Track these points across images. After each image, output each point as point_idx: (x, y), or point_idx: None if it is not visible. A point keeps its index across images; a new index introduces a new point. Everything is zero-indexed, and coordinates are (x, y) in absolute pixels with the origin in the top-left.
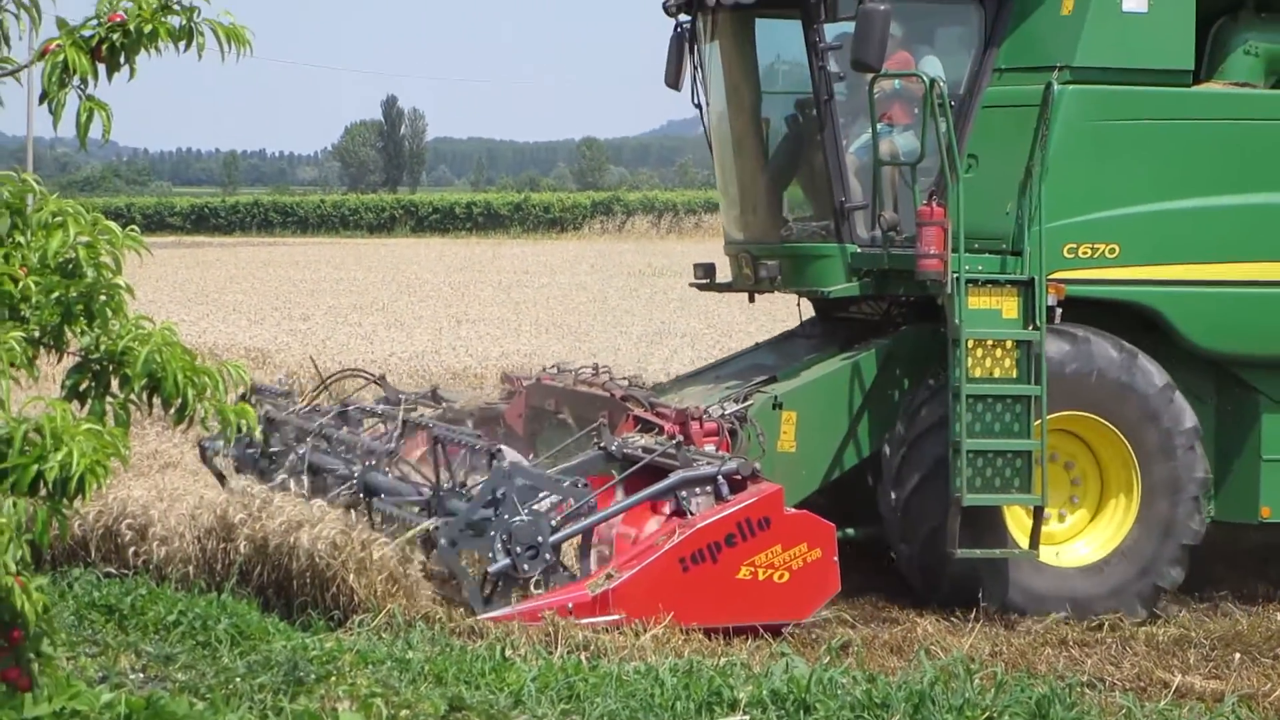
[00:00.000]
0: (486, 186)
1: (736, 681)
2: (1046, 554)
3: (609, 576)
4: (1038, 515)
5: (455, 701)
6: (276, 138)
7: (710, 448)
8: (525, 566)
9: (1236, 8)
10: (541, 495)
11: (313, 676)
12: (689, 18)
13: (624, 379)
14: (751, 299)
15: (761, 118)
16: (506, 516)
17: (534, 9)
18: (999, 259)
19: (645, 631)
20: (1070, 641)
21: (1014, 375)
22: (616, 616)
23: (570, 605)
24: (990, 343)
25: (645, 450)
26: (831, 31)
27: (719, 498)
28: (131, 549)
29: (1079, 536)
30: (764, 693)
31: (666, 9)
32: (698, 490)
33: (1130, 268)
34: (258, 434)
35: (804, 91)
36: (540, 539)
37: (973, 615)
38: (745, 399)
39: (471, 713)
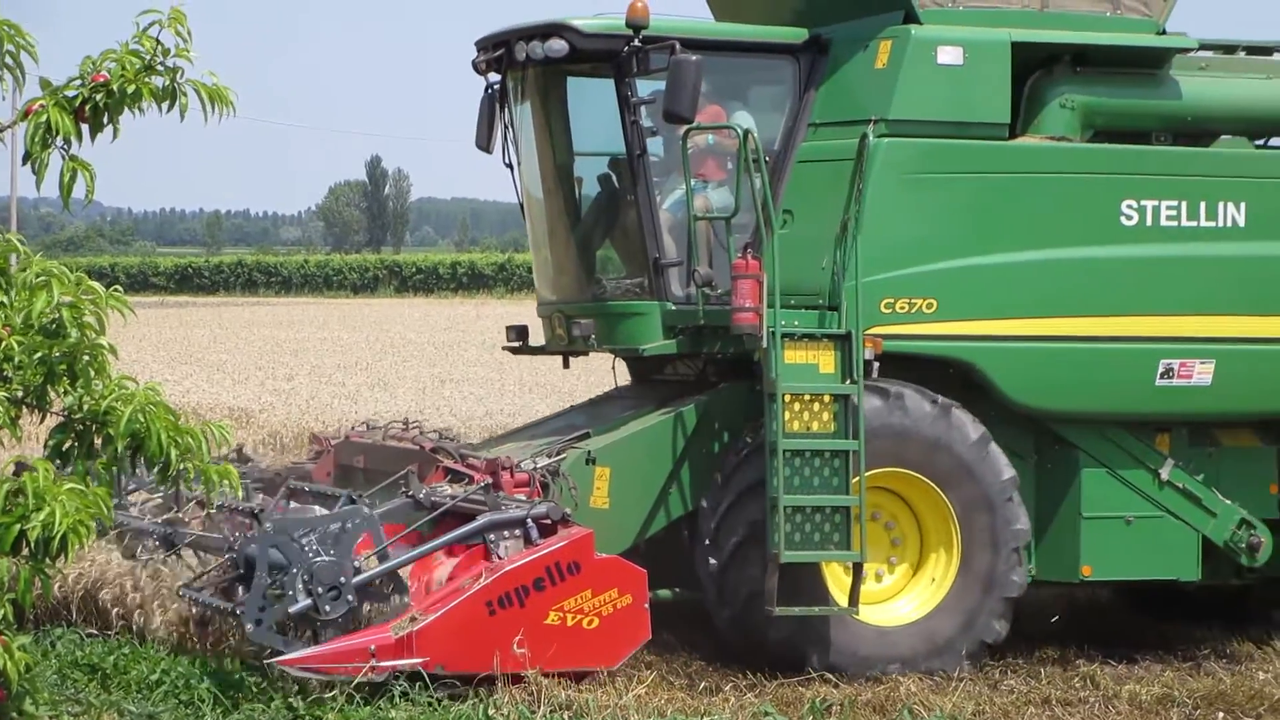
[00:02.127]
0: (471, 247)
1: None
2: (868, 613)
3: (413, 619)
4: (857, 572)
5: None
6: (260, 198)
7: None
8: (327, 608)
9: (1052, 62)
10: (305, 533)
11: None
12: (499, 77)
13: (434, 432)
14: (566, 363)
15: (574, 177)
16: (310, 555)
17: None
18: (816, 314)
19: (628, 691)
20: (1054, 700)
21: (832, 430)
22: (420, 660)
23: (373, 648)
24: (807, 397)
25: (453, 497)
26: (643, 86)
27: (528, 541)
28: (115, 610)
29: (901, 594)
30: None
31: (475, 67)
32: (506, 534)
33: (948, 323)
34: (240, 494)
35: (617, 150)
36: (343, 579)
37: (956, 674)
38: (559, 454)
39: None
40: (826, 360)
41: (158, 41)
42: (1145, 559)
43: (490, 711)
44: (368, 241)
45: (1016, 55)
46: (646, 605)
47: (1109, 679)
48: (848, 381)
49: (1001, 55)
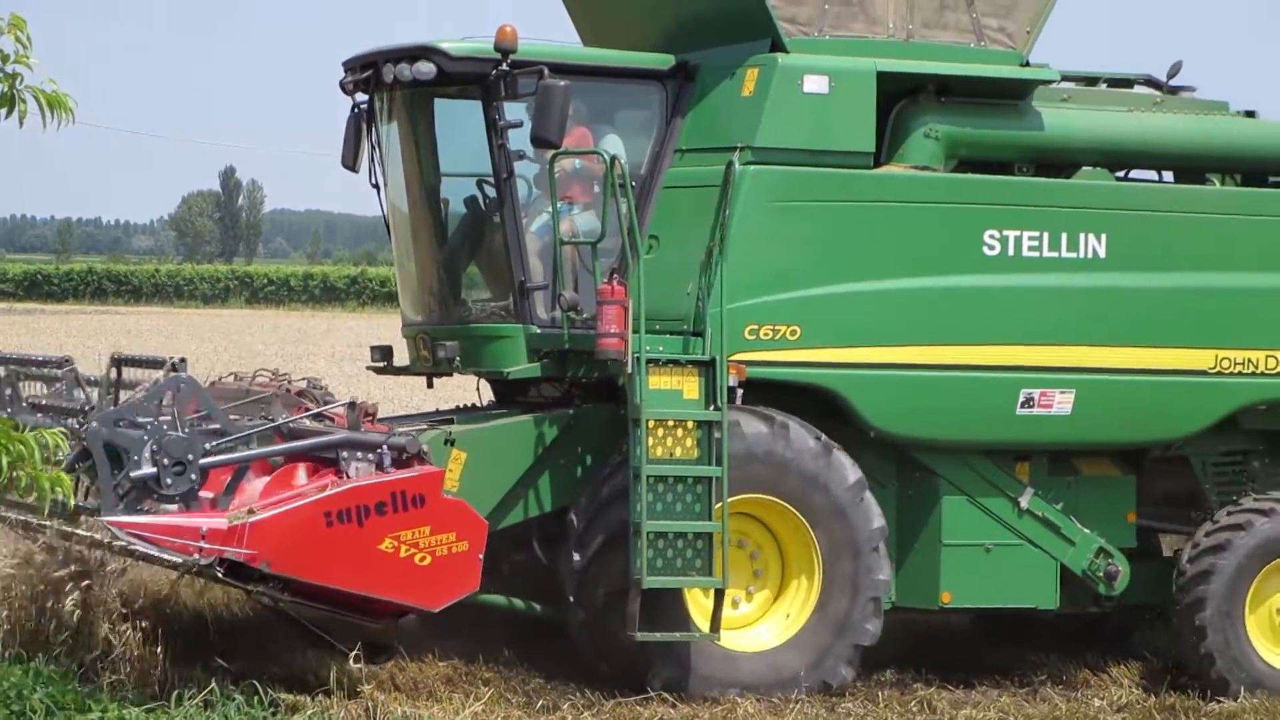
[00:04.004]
0: (323, 259)
1: None
2: (736, 639)
3: (250, 511)
4: (718, 598)
5: None
6: (112, 206)
7: None
8: (169, 480)
9: (917, 92)
10: (209, 425)
11: None
12: (366, 97)
13: (304, 379)
14: (430, 383)
15: (441, 198)
16: (164, 427)
17: None
18: (681, 340)
19: (465, 708)
20: None
21: (695, 456)
22: (248, 552)
23: (204, 529)
24: (671, 423)
25: (313, 424)
26: (511, 109)
27: (379, 468)
28: None
29: (758, 622)
30: None
31: (343, 87)
32: (360, 455)
33: (811, 350)
34: (72, 502)
35: (483, 172)
36: (190, 457)
37: (794, 696)
38: (420, 431)
39: None
40: (690, 386)
41: None
42: (1004, 587)
43: None
44: (220, 252)
45: (882, 85)
46: (480, 556)
47: (946, 704)
48: (711, 408)
49: (867, 84)
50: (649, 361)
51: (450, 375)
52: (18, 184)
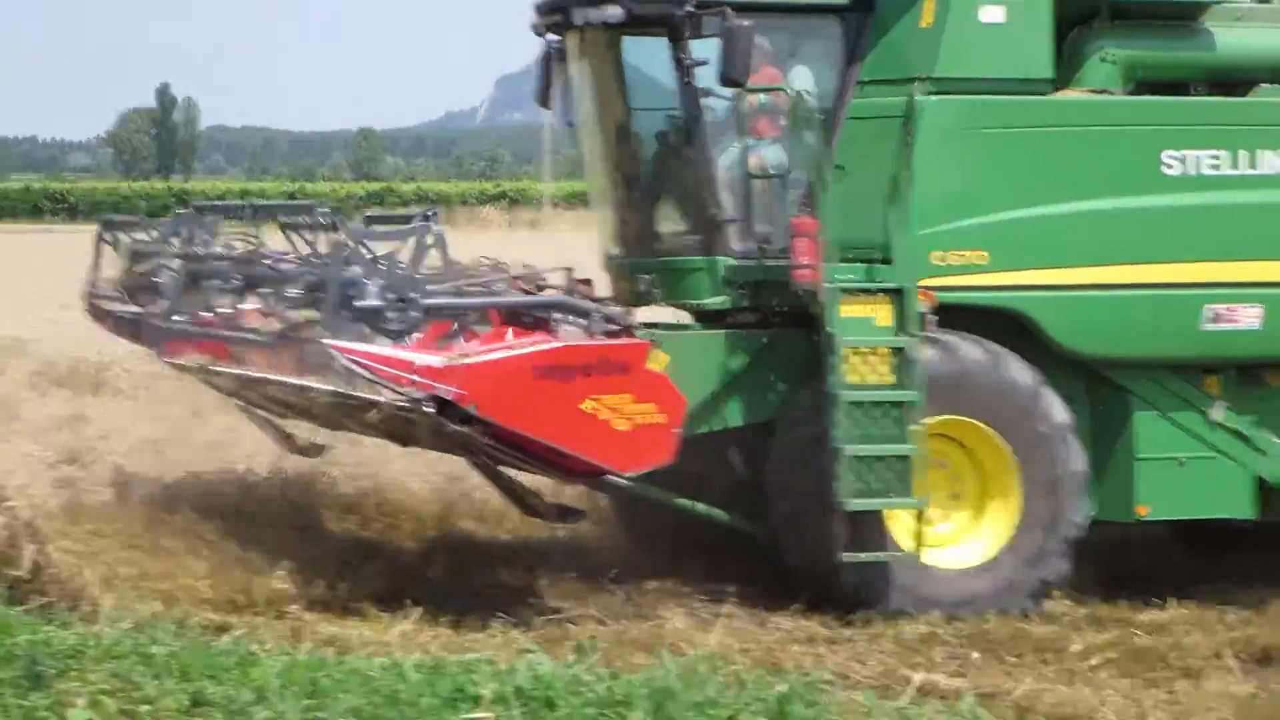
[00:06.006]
0: (261, 176)
1: (482, 678)
2: (933, 556)
3: (464, 355)
4: (920, 518)
5: (197, 697)
6: (49, 124)
7: None
8: (392, 314)
9: (1091, 17)
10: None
11: (52, 672)
12: (558, 38)
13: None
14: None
15: (632, 133)
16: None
17: None
18: (869, 268)
19: (394, 626)
20: (819, 639)
21: (890, 381)
22: (459, 392)
23: (419, 364)
24: (865, 350)
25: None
26: (698, 48)
27: (589, 334)
28: None
29: (963, 538)
30: (508, 689)
31: (535, 29)
32: (572, 319)
33: (999, 273)
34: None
35: (673, 107)
36: (415, 295)
37: (722, 611)
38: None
39: (214, 708)
40: (883, 314)
41: None
42: (1200, 498)
43: (253, 647)
44: (157, 169)
45: (1056, 11)
46: (676, 430)
47: (879, 619)
48: (904, 334)
49: (1043, 11)
50: (843, 291)
51: (649, 306)
52: None
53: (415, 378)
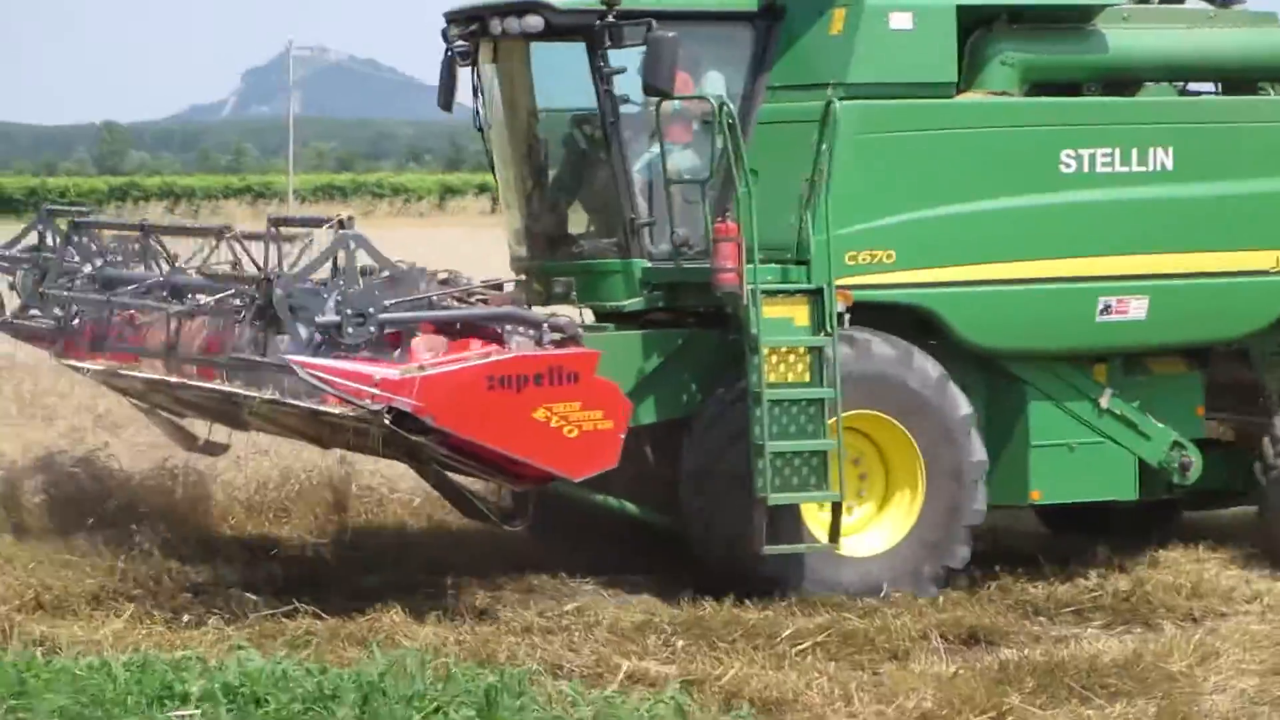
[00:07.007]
0: (2, 170)
1: (190, 675)
2: (843, 545)
3: (420, 368)
4: (836, 510)
5: None
6: None
7: None
8: (350, 330)
9: (991, 20)
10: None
11: None
12: (465, 43)
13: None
14: None
15: (542, 138)
16: (342, 283)
17: None
18: (783, 269)
19: (105, 625)
20: (535, 629)
21: (807, 380)
22: (416, 404)
23: (378, 377)
24: (784, 349)
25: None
26: (615, 56)
27: (539, 345)
28: None
29: (869, 527)
30: (216, 686)
31: (445, 36)
32: (521, 330)
33: (905, 271)
34: None
35: (584, 108)
36: (371, 310)
37: (440, 604)
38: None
39: None
40: (801, 314)
41: None
42: (1089, 482)
43: None
44: None
45: (960, 17)
46: (622, 437)
47: (596, 607)
48: (821, 333)
49: (948, 18)
50: (763, 292)
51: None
52: None
53: (375, 390)
